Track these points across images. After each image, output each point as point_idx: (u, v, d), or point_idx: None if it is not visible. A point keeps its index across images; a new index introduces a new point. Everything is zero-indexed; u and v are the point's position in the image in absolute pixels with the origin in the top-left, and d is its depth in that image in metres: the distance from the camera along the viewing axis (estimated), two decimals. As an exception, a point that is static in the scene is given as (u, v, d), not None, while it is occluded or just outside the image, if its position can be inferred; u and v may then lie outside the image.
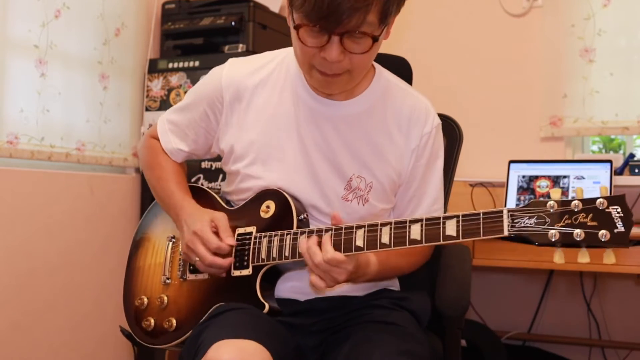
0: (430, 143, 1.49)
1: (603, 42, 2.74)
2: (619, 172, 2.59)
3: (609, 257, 1.11)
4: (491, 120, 2.96)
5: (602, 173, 2.42)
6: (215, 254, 1.40)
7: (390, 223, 1.26)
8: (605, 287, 2.85)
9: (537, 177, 2.51)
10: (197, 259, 1.41)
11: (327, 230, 1.31)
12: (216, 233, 1.41)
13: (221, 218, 1.43)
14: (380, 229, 1.27)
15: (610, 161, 2.43)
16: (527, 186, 2.50)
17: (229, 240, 1.40)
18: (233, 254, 1.41)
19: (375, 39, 1.27)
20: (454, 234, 1.20)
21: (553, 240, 1.12)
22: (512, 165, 2.55)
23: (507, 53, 2.96)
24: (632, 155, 2.62)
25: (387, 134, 1.46)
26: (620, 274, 2.74)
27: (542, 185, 2.49)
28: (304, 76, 1.45)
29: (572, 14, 2.79)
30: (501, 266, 2.64)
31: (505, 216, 1.16)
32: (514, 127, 2.93)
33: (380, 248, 1.26)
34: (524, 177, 2.52)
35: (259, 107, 1.47)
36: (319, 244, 1.29)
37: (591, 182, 2.43)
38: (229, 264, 1.40)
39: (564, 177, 2.47)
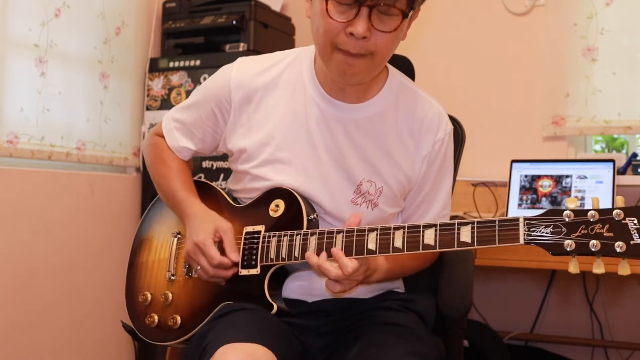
0: (442, 149, 1.47)
1: (606, 41, 2.73)
2: (622, 171, 2.57)
3: (624, 269, 1.10)
4: (493, 119, 2.95)
5: (604, 172, 2.41)
6: (218, 266, 1.38)
7: (403, 227, 1.25)
8: (608, 287, 2.84)
9: (539, 177, 2.49)
10: (199, 268, 1.40)
11: (338, 232, 1.29)
12: (220, 243, 1.40)
13: (227, 230, 1.40)
14: (393, 233, 1.25)
15: (613, 161, 2.42)
16: (530, 186, 2.49)
17: (233, 256, 1.37)
18: (241, 254, 1.39)
19: (405, 15, 1.25)
20: (469, 240, 1.18)
21: (569, 250, 1.11)
22: (514, 164, 2.54)
23: (509, 52, 2.95)
24: (634, 155, 2.60)
25: (399, 139, 1.45)
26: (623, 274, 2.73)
27: (545, 185, 2.48)
28: (317, 66, 1.42)
29: (574, 12, 2.78)
30: (503, 266, 2.63)
31: (521, 224, 1.14)
32: (516, 126, 2.92)
33: (392, 252, 1.24)
34: (526, 176, 2.51)
35: (268, 108, 1.45)
36: (327, 255, 1.28)
37: (594, 182, 2.42)
38: (231, 274, 1.39)
39: (567, 176, 2.45)
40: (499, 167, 2.67)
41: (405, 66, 1.76)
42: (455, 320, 1.59)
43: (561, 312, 2.92)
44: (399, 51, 1.78)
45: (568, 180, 2.45)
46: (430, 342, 1.38)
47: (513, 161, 2.55)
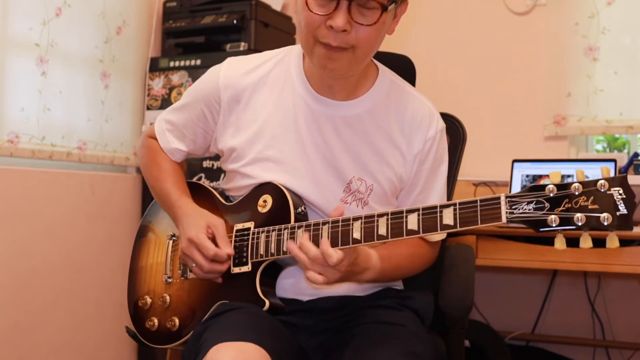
0: (434, 148, 1.47)
1: (607, 40, 2.73)
2: (623, 171, 2.56)
3: (612, 241, 1.07)
4: (495, 119, 2.95)
5: (606, 172, 2.40)
6: (213, 260, 1.38)
7: (387, 214, 1.24)
8: (609, 287, 2.84)
9: (540, 177, 2.49)
10: (195, 265, 1.40)
11: (324, 224, 1.29)
12: (213, 239, 1.39)
13: (218, 225, 1.41)
14: (377, 220, 1.24)
15: (614, 160, 2.41)
16: (531, 185, 2.49)
17: (227, 249, 1.38)
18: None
19: (384, 8, 1.24)
20: (452, 222, 1.16)
21: (553, 225, 1.08)
22: (515, 164, 2.54)
23: (510, 51, 2.95)
24: (636, 155, 2.60)
25: (389, 137, 1.44)
26: (624, 274, 2.73)
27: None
28: (306, 63, 1.42)
29: (576, 12, 2.78)
30: (505, 266, 2.63)
31: (503, 202, 1.12)
32: (518, 126, 2.92)
33: (377, 240, 1.23)
34: (527, 176, 2.51)
35: (257, 107, 1.45)
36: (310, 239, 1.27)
37: (595, 182, 2.41)
38: (226, 268, 1.39)
39: (568, 176, 2.45)
40: (500, 167, 2.67)
41: (406, 65, 1.76)
42: (456, 320, 1.58)
43: (562, 312, 2.92)
44: (400, 50, 1.78)
45: (569, 180, 2.45)
46: (426, 341, 1.37)
47: (514, 161, 2.55)
